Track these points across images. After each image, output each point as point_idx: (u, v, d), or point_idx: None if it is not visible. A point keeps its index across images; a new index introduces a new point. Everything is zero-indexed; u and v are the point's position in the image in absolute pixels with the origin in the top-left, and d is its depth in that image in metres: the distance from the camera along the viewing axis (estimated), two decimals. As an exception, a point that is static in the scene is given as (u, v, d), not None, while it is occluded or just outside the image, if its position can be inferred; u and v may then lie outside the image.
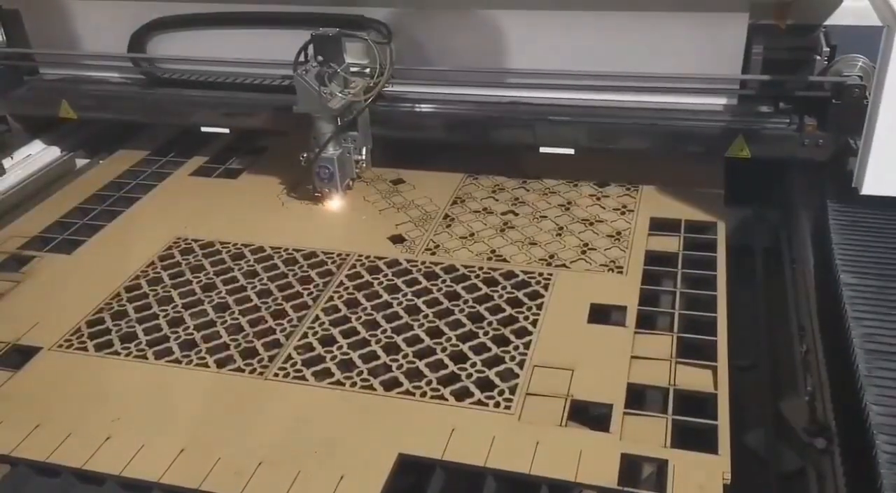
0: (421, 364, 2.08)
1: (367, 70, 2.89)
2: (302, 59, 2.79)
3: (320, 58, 2.74)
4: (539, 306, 2.28)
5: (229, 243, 2.68)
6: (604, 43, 2.79)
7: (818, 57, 2.59)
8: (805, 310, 2.14)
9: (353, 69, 2.87)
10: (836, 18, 2.68)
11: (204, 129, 3.22)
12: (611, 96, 2.83)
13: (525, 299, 2.32)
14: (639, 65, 2.78)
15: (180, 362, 2.13)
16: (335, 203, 2.90)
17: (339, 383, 2.03)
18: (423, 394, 1.98)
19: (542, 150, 2.85)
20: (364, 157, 2.93)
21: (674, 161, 2.95)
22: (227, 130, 3.26)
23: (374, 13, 2.94)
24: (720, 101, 2.77)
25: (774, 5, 2.64)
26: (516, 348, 2.12)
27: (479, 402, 1.94)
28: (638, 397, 1.96)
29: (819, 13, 2.67)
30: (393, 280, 2.44)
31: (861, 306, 1.85)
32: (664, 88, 2.77)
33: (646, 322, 2.22)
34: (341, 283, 2.44)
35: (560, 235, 2.65)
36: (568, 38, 2.82)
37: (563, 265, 2.48)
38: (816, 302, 2.09)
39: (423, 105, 2.97)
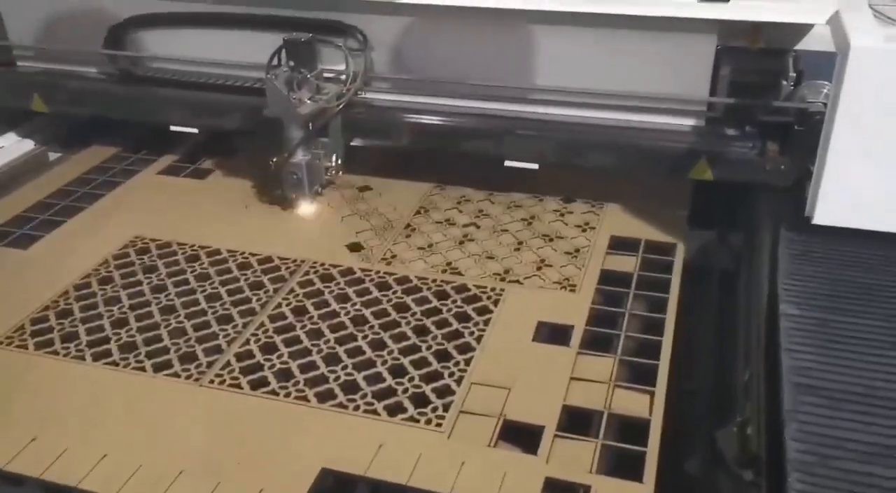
0: (359, 377, 2.06)
1: (343, 76, 2.86)
2: (276, 62, 2.77)
3: (291, 63, 2.73)
4: (486, 322, 2.26)
5: (186, 245, 2.66)
6: (574, 59, 2.75)
7: (785, 82, 2.56)
8: (754, 336, 2.11)
9: (327, 75, 2.84)
10: (808, 43, 2.64)
11: (173, 128, 3.19)
12: (577, 112, 2.79)
13: (473, 314, 2.30)
14: (609, 83, 2.74)
15: (118, 365, 2.12)
16: (303, 209, 2.89)
17: (273, 392, 2.01)
18: (357, 408, 1.96)
19: (507, 163, 2.82)
20: (335, 163, 2.90)
21: (641, 179, 2.92)
22: (195, 131, 3.22)
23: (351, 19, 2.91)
24: (688, 122, 2.74)
25: (748, 27, 2.60)
26: (457, 363, 2.10)
27: (412, 418, 1.92)
28: (572, 420, 1.93)
29: (791, 37, 2.63)
30: (344, 289, 2.42)
31: (797, 338, 1.81)
32: (631, 106, 2.73)
33: (591, 343, 2.19)
34: (292, 290, 2.42)
35: (518, 249, 2.63)
36: (536, 54, 2.78)
37: (517, 281, 2.46)
38: (765, 330, 2.06)
39: (387, 113, 2.93)
